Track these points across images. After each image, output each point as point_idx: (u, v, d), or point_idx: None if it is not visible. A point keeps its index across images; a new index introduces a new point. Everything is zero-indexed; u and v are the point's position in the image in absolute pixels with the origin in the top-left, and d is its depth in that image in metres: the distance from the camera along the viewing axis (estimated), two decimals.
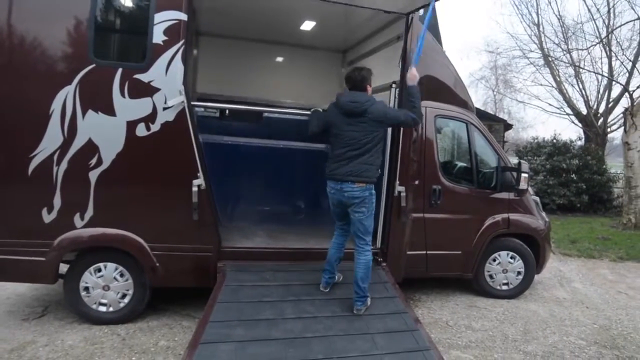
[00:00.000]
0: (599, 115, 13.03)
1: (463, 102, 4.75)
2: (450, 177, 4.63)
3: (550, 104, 14.59)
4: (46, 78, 3.37)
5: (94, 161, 3.50)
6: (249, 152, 5.13)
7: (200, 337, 2.88)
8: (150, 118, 3.53)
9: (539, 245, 4.95)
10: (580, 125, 13.45)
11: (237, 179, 4.69)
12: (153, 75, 3.49)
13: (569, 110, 13.66)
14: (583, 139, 12.98)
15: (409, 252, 4.43)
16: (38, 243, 3.50)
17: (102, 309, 3.74)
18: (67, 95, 3.38)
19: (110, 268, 3.71)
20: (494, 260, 4.88)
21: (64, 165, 3.45)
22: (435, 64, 4.51)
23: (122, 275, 3.74)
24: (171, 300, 4.22)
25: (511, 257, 4.88)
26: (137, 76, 3.47)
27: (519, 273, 4.92)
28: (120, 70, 3.44)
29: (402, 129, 4.03)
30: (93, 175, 3.51)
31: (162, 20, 3.45)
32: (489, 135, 4.86)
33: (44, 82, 3.37)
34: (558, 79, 13.44)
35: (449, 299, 4.85)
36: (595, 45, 11.59)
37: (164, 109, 3.53)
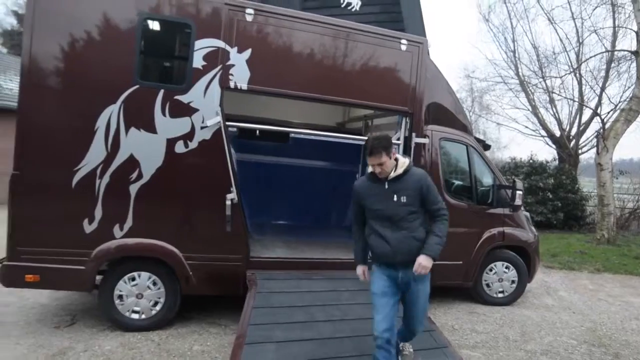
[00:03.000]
0: (571, 137, 14.13)
1: (463, 126, 5.33)
2: (452, 194, 5.16)
3: (526, 127, 15.68)
4: (93, 96, 3.69)
5: (134, 175, 3.82)
6: (259, 169, 5.56)
7: (245, 338, 3.21)
8: (188, 136, 3.90)
9: (529, 256, 5.52)
10: (554, 146, 14.51)
11: (254, 194, 5.09)
12: (192, 96, 3.88)
13: (543, 133, 14.75)
14: (557, 160, 13.99)
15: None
16: (78, 252, 3.75)
17: (135, 316, 3.99)
18: (111, 113, 3.72)
19: (144, 277, 3.98)
20: (491, 270, 5.41)
21: (106, 178, 3.76)
22: (439, 92, 5.07)
23: (154, 283, 4.01)
24: (195, 309, 4.50)
25: (506, 267, 5.43)
26: (177, 97, 3.85)
27: (513, 282, 5.46)
28: (162, 92, 3.81)
29: (412, 150, 4.53)
30: (133, 189, 3.82)
31: (202, 47, 3.87)
32: (486, 156, 5.45)
33: (91, 100, 3.69)
34: (533, 103, 14.53)
35: (450, 306, 5.32)
36: (567, 74, 12.71)
37: (202, 128, 3.91)
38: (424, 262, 2.68)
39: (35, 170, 3.63)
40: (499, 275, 5.43)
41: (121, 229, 3.83)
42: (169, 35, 4.04)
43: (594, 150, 12.72)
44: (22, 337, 3.76)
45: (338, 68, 4.31)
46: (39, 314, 4.28)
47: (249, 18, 3.96)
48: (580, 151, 14.10)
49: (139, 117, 3.78)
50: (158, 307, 4.05)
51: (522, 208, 5.72)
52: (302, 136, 4.50)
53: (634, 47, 9.96)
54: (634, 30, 9.70)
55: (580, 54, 13.13)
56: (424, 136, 4.72)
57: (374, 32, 4.38)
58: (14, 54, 16.81)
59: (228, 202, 3.98)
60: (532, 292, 6.04)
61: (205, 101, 3.90)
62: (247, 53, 3.98)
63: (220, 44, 3.90)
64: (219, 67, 3.91)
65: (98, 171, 3.73)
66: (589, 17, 15.16)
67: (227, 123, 4.03)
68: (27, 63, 3.56)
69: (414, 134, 4.59)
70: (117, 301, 3.94)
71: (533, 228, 5.79)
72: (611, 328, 4.91)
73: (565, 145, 13.92)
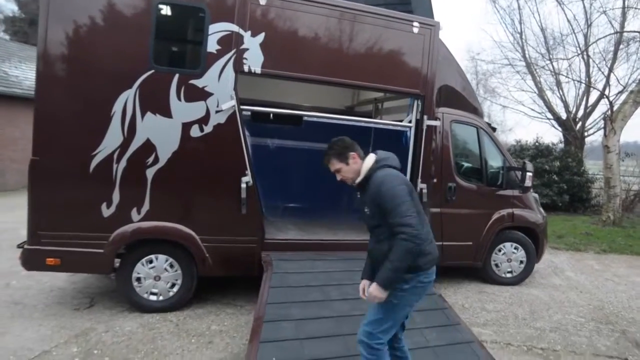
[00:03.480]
0: (577, 119, 14.12)
1: (474, 108, 5.37)
2: (463, 176, 5.23)
3: (532, 109, 15.66)
4: (109, 82, 3.74)
5: (151, 159, 3.89)
6: (269, 152, 5.61)
7: (263, 316, 3.33)
8: (204, 120, 3.96)
9: (538, 237, 5.63)
10: (560, 129, 14.51)
11: (266, 177, 5.15)
12: (207, 81, 3.92)
13: (549, 115, 14.73)
14: (563, 142, 14.02)
15: None
16: (97, 236, 3.85)
17: (153, 297, 4.11)
18: (127, 98, 3.77)
19: (161, 259, 4.09)
20: (499, 250, 5.52)
21: (123, 163, 3.83)
22: (450, 74, 5.11)
23: (171, 266, 4.12)
24: (211, 290, 4.62)
25: (515, 248, 5.54)
26: (192, 81, 3.89)
27: (521, 262, 5.58)
28: (177, 76, 3.85)
29: (424, 133, 4.58)
30: (150, 173, 3.90)
31: (216, 31, 3.89)
32: (496, 138, 5.50)
33: (107, 86, 3.74)
34: (540, 86, 14.48)
35: (460, 285, 5.45)
36: (575, 56, 12.66)
37: (217, 112, 3.97)
38: (372, 291, 2.29)
39: (54, 155, 3.70)
40: (508, 256, 5.54)
41: (139, 212, 3.92)
42: (183, 20, 4.06)
43: (600, 132, 12.78)
44: (44, 319, 3.89)
45: (351, 51, 4.34)
46: (58, 296, 4.41)
47: (262, 1, 3.97)
48: (586, 134, 14.11)
49: (155, 101, 3.83)
50: (175, 289, 4.16)
51: (532, 190, 5.80)
52: (314, 119, 4.54)
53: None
54: None
55: (588, 36, 13.04)
56: (436, 119, 4.76)
57: (386, 15, 4.39)
58: (16, 40, 16.73)
59: (243, 185, 4.06)
60: (539, 273, 6.15)
61: (220, 85, 3.95)
62: (261, 37, 4.01)
63: (234, 27, 3.93)
64: (233, 51, 3.94)
65: (115, 156, 3.80)
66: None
67: (242, 107, 4.08)
68: (43, 50, 3.61)
69: (425, 117, 4.64)
70: (135, 283, 4.05)
71: (541, 209, 5.88)
72: (618, 306, 5.03)
73: (571, 128, 13.92)
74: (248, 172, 4.07)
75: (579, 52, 12.59)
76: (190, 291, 4.22)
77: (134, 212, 3.91)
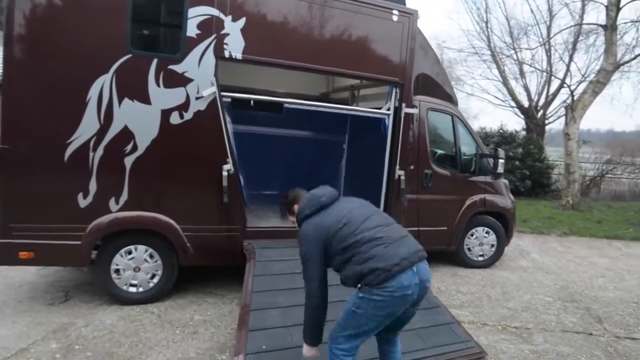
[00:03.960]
0: (539, 108, 14.76)
1: (448, 96, 5.53)
2: (438, 163, 5.40)
3: (496, 97, 16.21)
4: (84, 66, 3.58)
5: (129, 147, 3.78)
6: (247, 139, 5.57)
7: (250, 305, 3.35)
8: (183, 107, 3.88)
9: (507, 221, 5.91)
10: (522, 116, 15.14)
11: (243, 165, 5.13)
12: (187, 66, 3.83)
13: (513, 103, 15.32)
14: (525, 130, 14.64)
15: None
16: (74, 227, 3.73)
17: (133, 289, 4.04)
18: (104, 83, 3.63)
19: (140, 250, 4.01)
20: (472, 235, 5.77)
21: (99, 151, 3.70)
22: (427, 63, 5.22)
23: (151, 256, 4.05)
24: (191, 280, 4.59)
25: (486, 232, 5.80)
26: (171, 67, 3.79)
27: (492, 246, 5.85)
28: (155, 61, 3.74)
29: (402, 121, 4.67)
30: (128, 161, 3.79)
31: (196, 14, 3.80)
32: (469, 125, 5.70)
33: (82, 70, 3.58)
34: (504, 75, 15.00)
35: (434, 269, 5.65)
36: (538, 47, 13.21)
37: (197, 98, 3.90)
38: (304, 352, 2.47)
39: (26, 144, 3.53)
40: (480, 240, 5.80)
41: (117, 202, 3.82)
42: (162, 3, 3.94)
43: (559, 120, 13.47)
44: (17, 315, 3.74)
45: (332, 38, 4.34)
46: (29, 291, 4.25)
47: None
48: (547, 121, 14.79)
49: (132, 87, 3.71)
50: (155, 280, 4.10)
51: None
52: (294, 106, 4.53)
53: (600, 21, 10.43)
54: (603, 5, 10.15)
55: (551, 27, 13.60)
56: (413, 106, 4.87)
57: (366, 3, 4.41)
58: None
59: (225, 173, 4.02)
60: (507, 255, 6.47)
61: (200, 71, 3.87)
62: (242, 22, 3.94)
63: (214, 12, 3.84)
64: (213, 36, 3.86)
65: (91, 144, 3.67)
66: None
67: (222, 93, 4.02)
68: (11, 31, 3.40)
69: (403, 104, 4.73)
70: (114, 275, 3.96)
71: (510, 195, 6.16)
72: (581, 286, 5.40)
73: (533, 116, 14.55)
74: (229, 159, 4.04)
75: (542, 42, 13.12)
76: (171, 282, 4.17)
77: (112, 202, 3.80)
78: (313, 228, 2.41)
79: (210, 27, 3.85)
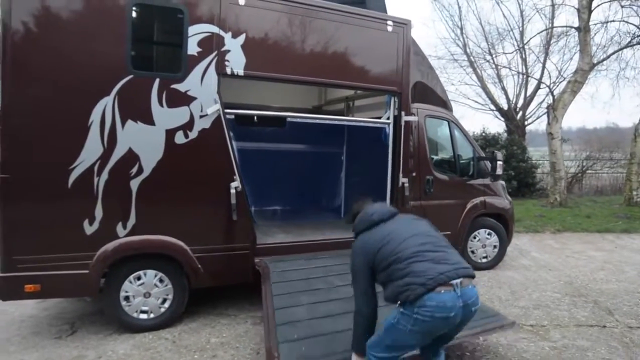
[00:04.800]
0: (518, 109, 15.19)
1: (443, 103, 5.65)
2: (438, 168, 5.48)
3: (476, 102, 16.61)
4: (85, 90, 3.53)
5: (134, 170, 3.72)
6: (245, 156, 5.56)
7: (272, 306, 3.33)
8: (188, 126, 3.85)
9: (507, 221, 6.03)
10: (502, 119, 15.54)
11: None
12: (189, 85, 3.82)
13: (492, 107, 15.72)
14: (506, 132, 15.02)
15: None
16: (80, 256, 3.62)
17: (144, 316, 3.93)
18: (106, 106, 3.58)
19: (150, 275, 3.91)
20: (474, 237, 5.85)
21: (104, 175, 3.63)
22: (423, 71, 5.34)
23: (161, 280, 3.96)
24: (200, 302, 4.49)
25: (488, 234, 5.89)
26: (174, 86, 3.77)
27: (494, 247, 5.95)
28: (157, 81, 3.71)
29: (402, 129, 4.75)
30: (134, 184, 3.73)
31: (196, 32, 3.80)
32: (465, 130, 5.81)
33: (83, 93, 3.52)
34: (482, 79, 15.41)
35: None
36: (514, 52, 13.70)
37: (201, 116, 3.88)
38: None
39: (27, 172, 3.43)
40: (482, 242, 5.89)
41: (124, 227, 3.73)
42: (161, 22, 3.93)
43: (539, 120, 13.90)
44: (24, 352, 3.59)
45: (331, 50, 4.40)
46: (32, 326, 4.08)
47: (241, 2, 3.93)
48: (526, 122, 15.22)
49: (135, 108, 3.67)
50: (167, 305, 4.00)
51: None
52: (297, 120, 4.55)
53: (569, 23, 10.87)
54: (575, 7, 10.61)
55: (524, 31, 14.12)
56: (412, 114, 4.95)
57: (362, 14, 4.50)
58: None
59: (233, 191, 4.00)
60: (508, 256, 6.56)
61: (203, 89, 3.86)
62: (242, 38, 3.96)
63: (214, 29, 3.86)
64: (214, 53, 3.86)
65: (95, 168, 3.59)
66: None
67: (226, 110, 4.01)
68: (8, 56, 3.32)
69: (403, 113, 4.81)
70: (123, 303, 3.85)
71: (508, 195, 6.29)
72: (584, 280, 5.52)
73: (513, 118, 14.96)
74: (236, 176, 4.02)
75: (517, 48, 13.59)
76: (182, 305, 4.08)
77: (119, 226, 3.71)
78: (362, 244, 2.58)
79: (211, 44, 3.85)
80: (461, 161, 5.71)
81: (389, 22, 4.66)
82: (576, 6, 10.47)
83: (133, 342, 3.75)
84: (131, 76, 3.62)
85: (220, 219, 4.03)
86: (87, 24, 3.51)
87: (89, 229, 3.63)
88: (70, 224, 3.58)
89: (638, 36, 10.71)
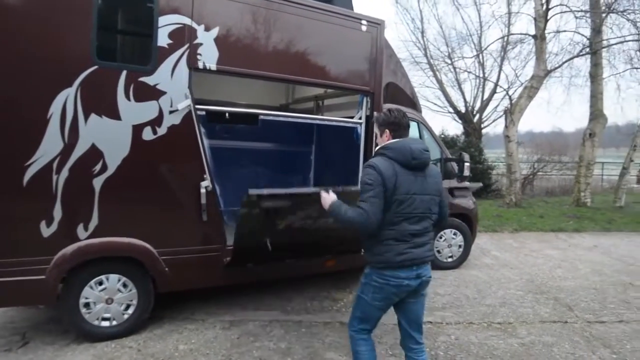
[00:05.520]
0: (475, 113, 15.79)
1: (413, 104, 5.74)
2: None
3: (435, 104, 17.10)
4: (44, 80, 3.27)
5: (98, 167, 3.49)
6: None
7: None
8: (156, 121, 3.66)
9: (472, 222, 6.23)
10: (460, 121, 16.10)
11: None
12: (158, 78, 3.63)
13: (451, 109, 16.23)
14: (464, 134, 15.57)
15: None
16: (36, 260, 3.35)
17: (106, 323, 3.71)
18: (67, 98, 3.34)
19: (113, 279, 3.70)
20: (441, 237, 5.99)
21: (64, 173, 3.38)
22: (394, 74, 5.39)
23: (125, 285, 3.76)
24: (164, 307, 4.30)
25: (454, 234, 6.06)
26: (142, 79, 3.58)
27: (460, 246, 6.12)
28: (125, 73, 3.51)
29: (374, 129, 4.77)
30: (97, 183, 3.50)
31: (167, 23, 3.62)
32: (433, 131, 5.95)
33: (42, 84, 3.27)
34: (441, 82, 15.88)
35: None
36: (473, 57, 14.25)
37: (171, 112, 3.70)
38: (324, 196, 2.64)
39: None
40: (448, 242, 6.05)
41: (86, 228, 3.50)
42: (130, 10, 3.71)
43: (494, 123, 14.52)
44: None
45: (305, 48, 4.33)
46: None
47: None
48: (482, 125, 15.84)
49: (100, 101, 3.44)
50: (130, 310, 3.80)
51: None
52: (270, 118, 4.46)
53: (524, 30, 11.43)
54: (532, 16, 11.17)
55: (482, 37, 14.72)
56: None
57: (338, 13, 4.48)
58: None
59: (203, 190, 3.85)
60: (471, 255, 6.76)
61: (173, 83, 3.67)
62: (215, 31, 3.82)
63: (187, 20, 3.69)
64: (186, 46, 3.69)
65: (55, 165, 3.34)
66: (490, 5, 17.25)
67: (197, 106, 3.86)
68: None
69: (375, 113, 4.83)
70: (83, 310, 3.61)
71: (472, 196, 6.50)
72: (544, 278, 5.80)
73: (470, 120, 15.53)
74: (207, 175, 3.87)
75: (476, 53, 14.15)
76: (147, 311, 3.89)
77: (80, 228, 3.47)
78: (386, 166, 2.43)
79: (182, 36, 3.69)
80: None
81: (364, 22, 4.66)
82: (533, 15, 11.04)
83: (94, 352, 3.54)
84: (96, 67, 3.39)
85: (189, 219, 3.87)
86: (48, 9, 3.25)
87: (46, 231, 3.37)
88: (25, 226, 3.31)
89: (587, 47, 11.44)
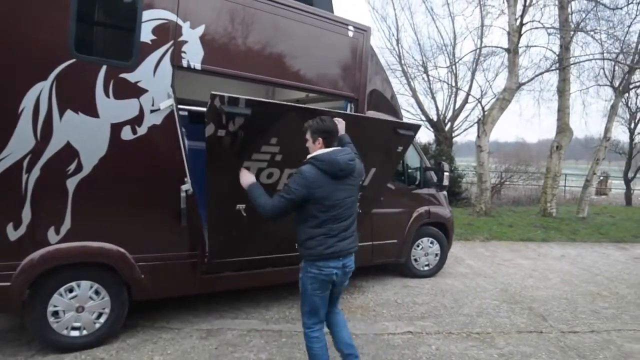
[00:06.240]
0: (446, 121, 16.15)
1: (395, 112, 5.77)
2: None
3: (408, 111, 17.35)
4: (15, 71, 3.07)
5: (72, 167, 3.32)
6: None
7: None
8: (136, 121, 3.52)
9: (448, 230, 6.33)
10: (432, 130, 16.42)
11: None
12: (140, 75, 3.50)
13: (423, 117, 16.52)
14: (435, 142, 15.89)
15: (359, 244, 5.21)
16: (1, 265, 3.14)
17: (75, 333, 3.51)
18: (41, 92, 3.15)
19: (84, 286, 3.51)
20: (418, 245, 6.05)
21: (35, 172, 3.19)
22: (378, 81, 5.41)
23: (97, 293, 3.57)
24: (136, 316, 4.12)
25: (431, 242, 6.13)
26: (123, 75, 3.43)
27: (436, 255, 6.20)
28: (104, 68, 3.35)
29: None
30: (71, 183, 3.32)
31: (151, 18, 3.49)
32: (414, 140, 5.99)
33: (12, 76, 3.06)
34: (414, 90, 16.17)
35: (385, 282, 5.82)
36: (446, 67, 14.64)
37: (152, 111, 3.57)
38: (242, 173, 2.99)
39: None
40: (425, 250, 6.11)
41: (57, 232, 3.30)
42: (112, 2, 3.54)
43: (465, 133, 14.92)
44: None
45: (290, 51, 4.28)
46: None
47: None
48: (454, 134, 16.22)
49: (77, 97, 3.27)
50: (102, 319, 3.62)
51: None
52: None
53: (495, 43, 11.81)
54: (505, 30, 11.55)
55: (455, 48, 15.12)
56: None
57: (325, 17, 4.45)
58: None
59: (183, 194, 3.72)
60: (446, 263, 6.90)
61: (155, 81, 3.54)
62: (201, 29, 3.71)
63: (172, 16, 3.56)
64: (170, 43, 3.57)
65: (25, 163, 3.14)
66: (464, 18, 17.76)
67: (180, 106, 3.74)
68: None
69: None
70: (51, 319, 3.40)
71: (449, 205, 6.61)
72: (516, 287, 5.95)
73: (442, 129, 15.86)
74: (188, 179, 3.74)
75: (450, 64, 14.50)
76: (120, 320, 3.72)
77: (50, 231, 3.28)
78: (314, 176, 2.70)
79: (167, 32, 3.56)
80: (409, 170, 5.89)
81: (350, 27, 4.66)
82: (506, 29, 11.43)
83: None
84: (73, 60, 3.21)
85: (167, 224, 3.73)
86: None
87: (14, 234, 3.16)
88: None
89: (556, 62, 11.93)
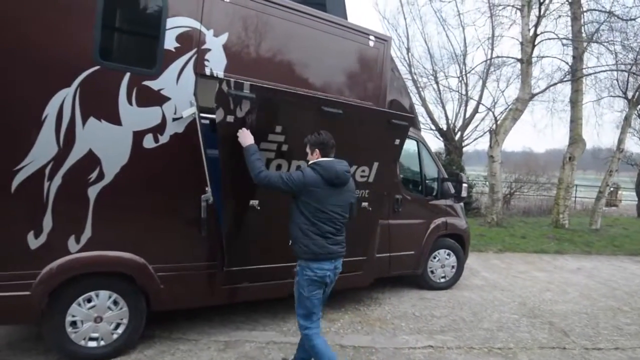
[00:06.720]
0: (456, 130, 16.06)
1: (413, 122, 5.70)
2: (405, 188, 5.52)
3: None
4: (41, 78, 3.04)
5: (94, 175, 3.28)
6: None
7: None
8: (159, 129, 3.48)
9: (464, 242, 6.23)
10: (441, 139, 16.33)
11: None
12: (163, 83, 3.47)
13: (433, 126, 16.45)
14: (445, 152, 15.79)
15: (377, 255, 5.13)
16: (21, 275, 3.09)
17: (93, 344, 3.44)
18: (65, 99, 3.12)
19: (103, 296, 3.45)
20: (434, 257, 5.95)
21: (57, 180, 3.15)
22: (397, 89, 5.36)
23: (116, 303, 3.51)
24: (153, 327, 4.05)
25: (447, 254, 6.03)
26: (146, 83, 3.40)
27: (453, 267, 6.10)
28: (128, 75, 3.32)
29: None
30: (93, 192, 3.28)
31: (175, 25, 3.47)
32: (431, 150, 5.94)
33: (38, 82, 3.03)
34: (424, 99, 16.11)
35: (401, 294, 5.72)
36: (457, 77, 14.63)
37: (174, 119, 3.53)
38: (240, 132, 3.22)
39: None
40: (442, 262, 6.01)
41: (77, 241, 3.25)
42: (137, 10, 3.52)
43: (475, 142, 14.83)
44: None
45: (312, 60, 4.25)
46: None
47: None
48: (464, 143, 16.11)
49: (100, 104, 3.24)
50: (120, 330, 3.55)
51: None
52: None
53: (505, 53, 11.75)
54: (518, 40, 11.49)
55: (466, 57, 15.08)
56: None
57: (348, 26, 4.42)
58: None
59: (203, 204, 3.67)
60: (462, 275, 6.80)
61: (178, 89, 3.52)
62: (224, 37, 3.69)
63: (195, 24, 3.54)
64: (193, 51, 3.54)
65: (47, 171, 3.10)
66: (476, 29, 17.82)
67: (202, 115, 3.70)
68: None
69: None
70: (69, 329, 3.34)
71: (465, 216, 6.51)
72: (535, 301, 5.83)
73: (452, 138, 15.76)
74: (208, 188, 3.69)
75: (461, 73, 14.47)
76: (138, 331, 3.65)
77: (71, 240, 3.23)
78: (313, 178, 3.01)
79: (190, 40, 3.54)
80: (427, 181, 5.82)
81: (371, 37, 4.63)
82: (519, 39, 11.36)
83: None
84: (97, 67, 3.19)
85: (188, 234, 3.68)
86: (47, 2, 3.04)
87: (34, 242, 3.11)
88: (9, 237, 3.05)
89: (570, 73, 11.84)
